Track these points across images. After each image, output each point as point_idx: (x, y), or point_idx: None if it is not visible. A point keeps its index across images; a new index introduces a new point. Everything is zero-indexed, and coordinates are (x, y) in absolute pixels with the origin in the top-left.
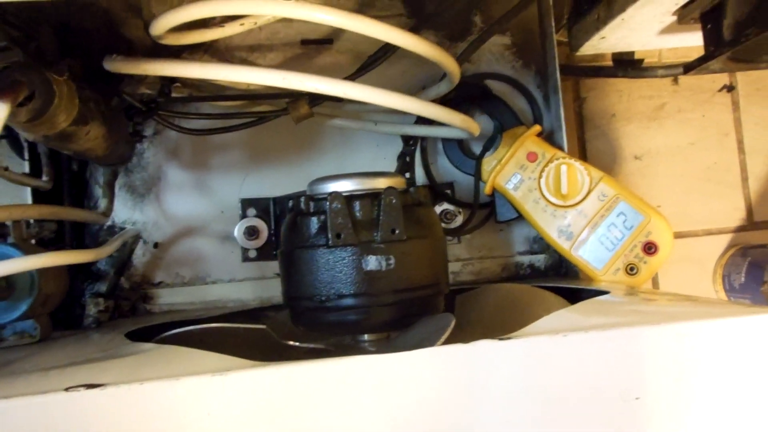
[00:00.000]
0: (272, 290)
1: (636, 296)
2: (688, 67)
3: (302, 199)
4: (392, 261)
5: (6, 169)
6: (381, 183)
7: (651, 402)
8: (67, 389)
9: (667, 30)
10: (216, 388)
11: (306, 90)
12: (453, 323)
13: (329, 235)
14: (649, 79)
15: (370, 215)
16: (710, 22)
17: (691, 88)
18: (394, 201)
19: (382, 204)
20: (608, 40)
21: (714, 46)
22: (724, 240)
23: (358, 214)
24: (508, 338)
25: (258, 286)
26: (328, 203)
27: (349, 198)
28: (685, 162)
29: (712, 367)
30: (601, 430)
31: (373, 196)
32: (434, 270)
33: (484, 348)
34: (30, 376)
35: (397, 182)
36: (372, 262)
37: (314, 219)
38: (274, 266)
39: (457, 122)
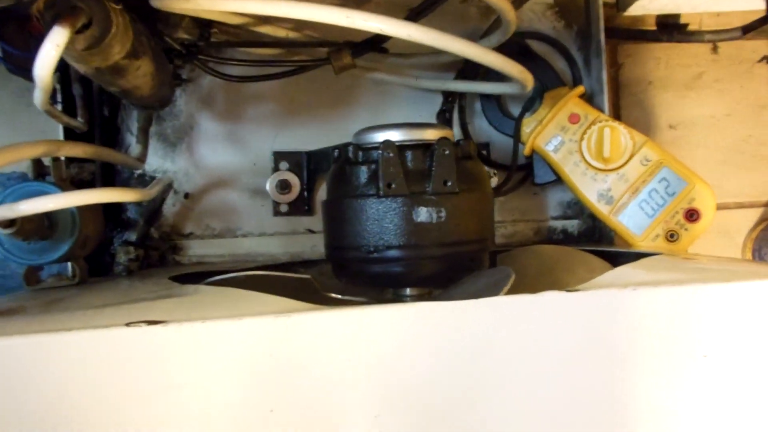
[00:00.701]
0: (302, 245)
1: (680, 258)
2: (747, 28)
3: (351, 147)
4: (443, 213)
5: (52, 104)
6: (431, 134)
7: (718, 360)
8: (128, 324)
9: None
10: (279, 330)
11: (371, 30)
12: (513, 276)
13: (380, 185)
14: (688, 48)
15: (422, 166)
16: None
17: (730, 58)
18: (447, 152)
19: (435, 155)
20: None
21: None
22: (756, 214)
23: (409, 165)
24: (576, 290)
25: (288, 241)
26: (379, 152)
27: (401, 147)
28: (720, 133)
29: None
30: (668, 385)
31: (424, 146)
32: (483, 225)
33: (551, 299)
34: (87, 311)
35: (448, 134)
36: (423, 214)
37: (364, 168)
38: (305, 221)
39: (515, 72)
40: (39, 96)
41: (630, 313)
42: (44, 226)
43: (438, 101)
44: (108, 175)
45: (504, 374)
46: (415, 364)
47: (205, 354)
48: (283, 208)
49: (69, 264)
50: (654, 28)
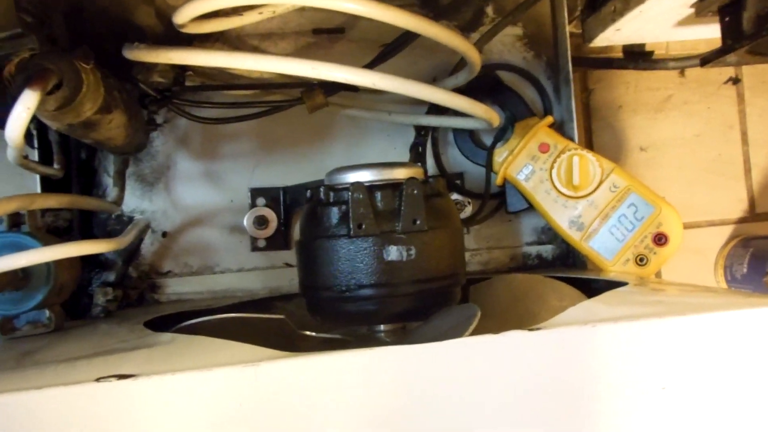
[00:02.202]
0: (281, 280)
1: (647, 286)
2: (705, 60)
3: (322, 189)
4: (413, 251)
5: (26, 157)
6: (401, 173)
7: (677, 393)
8: (98, 380)
9: (683, 22)
10: (248, 379)
11: (336, 80)
12: (479, 314)
13: (351, 225)
14: (656, 72)
15: (391, 205)
16: (729, 15)
17: (697, 80)
18: (416, 191)
19: (403, 194)
20: (623, 32)
21: (732, 39)
22: (727, 231)
23: (379, 205)
24: (538, 329)
25: (267, 275)
26: (349, 193)
27: (371, 188)
28: (689, 154)
29: (738, 358)
30: (628, 419)
31: (393, 186)
32: (453, 260)
33: (514, 338)
34: (57, 366)
35: (417, 173)
36: (393, 252)
37: (335, 209)
38: (283, 256)
39: (480, 113)
40: (11, 153)
41: (590, 350)
42: (18, 277)
43: (412, 134)
44: (86, 218)
45: (470, 414)
46: (384, 408)
47: (176, 406)
48: (261, 244)
49: (45, 311)
50: (621, 55)
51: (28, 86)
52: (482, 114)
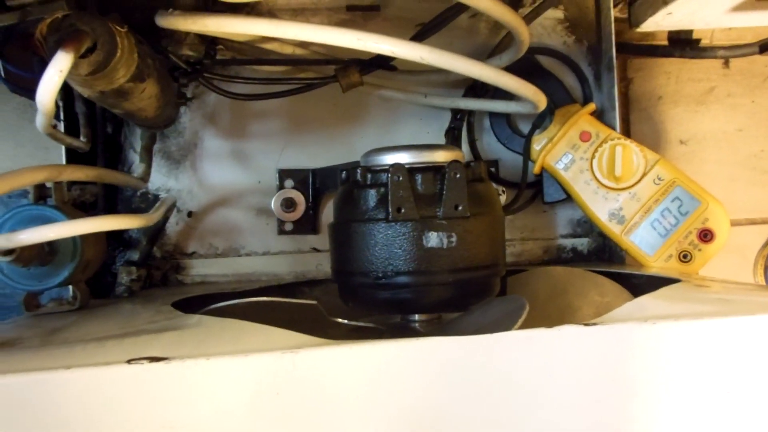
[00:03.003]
0: (308, 265)
1: (698, 283)
2: (765, 46)
3: (359, 170)
4: (454, 238)
5: (54, 126)
6: (442, 156)
7: (741, 397)
8: (129, 361)
9: (741, 7)
10: (286, 366)
11: (382, 53)
12: (527, 307)
13: (389, 209)
14: (699, 62)
15: (432, 189)
16: None
17: (742, 73)
18: (458, 176)
19: (446, 178)
20: (674, 16)
21: None
22: (767, 230)
23: (419, 188)
24: (594, 324)
25: (293, 260)
26: (388, 175)
27: (411, 170)
28: (731, 148)
29: None
30: (689, 423)
31: (435, 169)
32: (494, 250)
33: (569, 333)
34: (87, 345)
35: (458, 156)
36: (433, 239)
37: (372, 191)
38: (310, 240)
39: (529, 94)
40: (41, 120)
41: (649, 348)
42: (44, 252)
43: (446, 118)
44: (111, 195)
45: (520, 410)
46: (428, 401)
47: (209, 392)
48: (288, 227)
49: (70, 288)
50: (665, 43)
51: (61, 48)
52: (531, 95)
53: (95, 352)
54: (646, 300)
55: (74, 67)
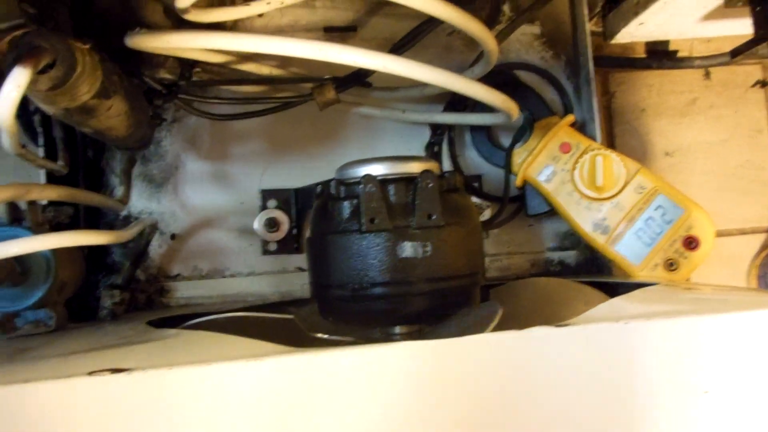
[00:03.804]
0: (292, 284)
1: (678, 286)
2: (736, 52)
3: (332, 183)
4: (429, 248)
5: (24, 146)
6: (415, 167)
7: (721, 396)
8: (90, 373)
9: (711, 16)
10: (250, 375)
11: (343, 62)
12: (501, 311)
13: (362, 220)
14: (681, 75)
15: (404, 199)
16: (761, 3)
17: (723, 84)
18: (431, 185)
19: (418, 188)
20: (646, 26)
21: (765, 29)
22: (759, 239)
23: (392, 198)
24: (566, 325)
25: (278, 279)
26: (361, 187)
27: (383, 182)
28: (717, 159)
29: None
30: (667, 424)
31: (407, 180)
32: (471, 259)
33: (540, 335)
34: (50, 360)
35: (432, 166)
36: (408, 249)
37: (346, 204)
38: (294, 260)
39: (498, 102)
40: (5, 140)
41: (623, 348)
42: (15, 272)
43: (426, 134)
44: (92, 218)
45: (491, 414)
46: (397, 408)
47: (173, 403)
48: (272, 247)
49: (47, 309)
50: (644, 55)
51: (19, 63)
52: (500, 104)
53: (58, 366)
54: (619, 301)
55: (33, 83)
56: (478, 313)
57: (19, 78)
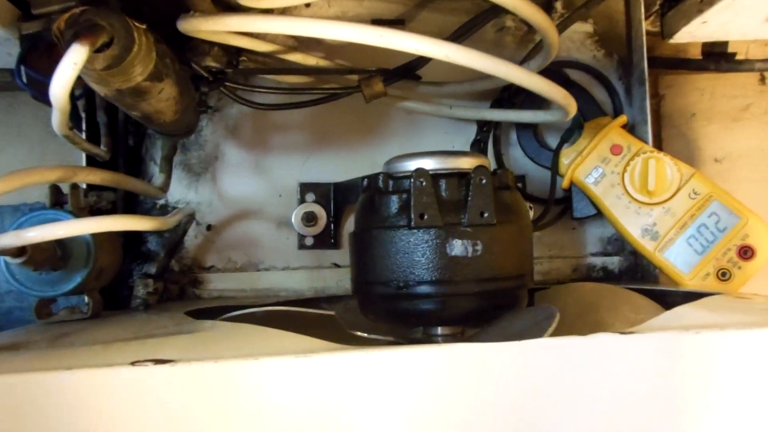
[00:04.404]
0: (328, 281)
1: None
2: None
3: (381, 176)
4: (479, 247)
5: (72, 128)
6: (467, 162)
7: None
8: (133, 363)
9: None
10: (299, 371)
11: (406, 50)
12: (558, 315)
13: (411, 215)
14: (734, 78)
15: (457, 196)
16: None
17: None
18: (484, 181)
19: (471, 184)
20: (709, 25)
21: None
22: None
23: (443, 194)
24: (632, 332)
25: (313, 275)
26: (411, 180)
27: (435, 176)
28: None
29: None
30: None
31: (460, 175)
32: (521, 260)
33: (604, 342)
34: (91, 348)
35: (484, 162)
36: (457, 247)
37: (394, 198)
38: (330, 255)
39: (559, 98)
40: (56, 118)
41: (693, 359)
42: (56, 255)
43: (471, 132)
44: (130, 205)
45: (550, 424)
46: (448, 414)
47: (217, 397)
48: (309, 241)
49: (83, 296)
50: (697, 57)
51: (77, 41)
52: (561, 99)
53: (99, 354)
54: (683, 310)
55: (90, 61)
56: (532, 316)
57: (77, 56)
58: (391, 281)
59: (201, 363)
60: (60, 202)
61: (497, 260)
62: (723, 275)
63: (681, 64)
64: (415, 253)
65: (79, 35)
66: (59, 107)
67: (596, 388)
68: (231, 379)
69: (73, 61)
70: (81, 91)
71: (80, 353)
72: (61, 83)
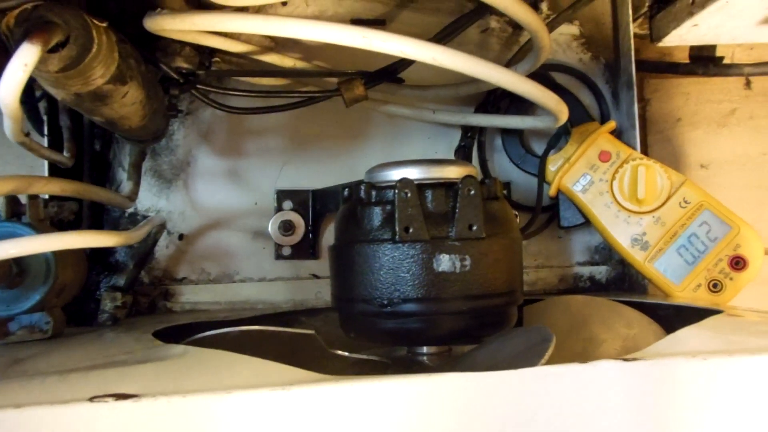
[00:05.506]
0: (307, 293)
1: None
2: None
3: (363, 186)
4: (468, 262)
5: (27, 134)
6: (454, 172)
7: None
8: (92, 399)
9: None
10: (276, 405)
11: (391, 53)
12: (554, 340)
13: (396, 229)
14: (719, 83)
15: (443, 208)
16: None
17: (764, 93)
18: (473, 192)
19: (459, 195)
20: (700, 28)
21: None
22: None
23: (429, 206)
24: (635, 359)
25: (291, 287)
26: (395, 192)
27: (420, 186)
28: (755, 173)
29: None
30: None
31: (447, 185)
32: (512, 275)
33: (606, 369)
34: (46, 379)
35: (472, 172)
36: (445, 262)
37: (377, 209)
38: (309, 266)
39: (551, 103)
40: (8, 125)
41: (700, 386)
42: (11, 273)
43: (455, 137)
44: (96, 216)
45: None
46: None
47: None
48: (286, 251)
49: (42, 314)
50: (684, 61)
51: (28, 39)
52: (553, 105)
53: (54, 388)
54: (688, 333)
55: (43, 62)
56: (526, 339)
57: (27, 56)
58: (375, 299)
59: (167, 398)
60: (17, 213)
61: (487, 276)
62: (714, 286)
63: (669, 68)
64: (399, 268)
65: (30, 33)
66: (10, 114)
67: (597, 418)
68: (201, 416)
69: (23, 62)
70: (41, 92)
71: (33, 386)
72: (10, 87)
